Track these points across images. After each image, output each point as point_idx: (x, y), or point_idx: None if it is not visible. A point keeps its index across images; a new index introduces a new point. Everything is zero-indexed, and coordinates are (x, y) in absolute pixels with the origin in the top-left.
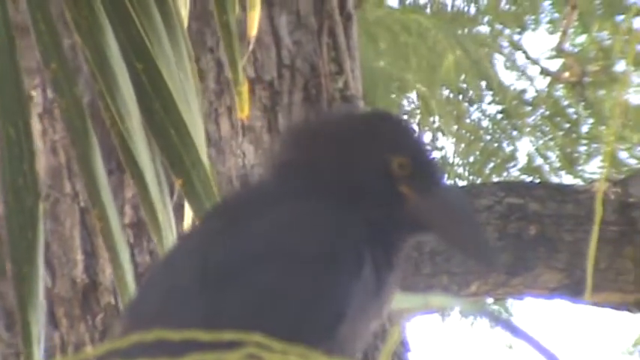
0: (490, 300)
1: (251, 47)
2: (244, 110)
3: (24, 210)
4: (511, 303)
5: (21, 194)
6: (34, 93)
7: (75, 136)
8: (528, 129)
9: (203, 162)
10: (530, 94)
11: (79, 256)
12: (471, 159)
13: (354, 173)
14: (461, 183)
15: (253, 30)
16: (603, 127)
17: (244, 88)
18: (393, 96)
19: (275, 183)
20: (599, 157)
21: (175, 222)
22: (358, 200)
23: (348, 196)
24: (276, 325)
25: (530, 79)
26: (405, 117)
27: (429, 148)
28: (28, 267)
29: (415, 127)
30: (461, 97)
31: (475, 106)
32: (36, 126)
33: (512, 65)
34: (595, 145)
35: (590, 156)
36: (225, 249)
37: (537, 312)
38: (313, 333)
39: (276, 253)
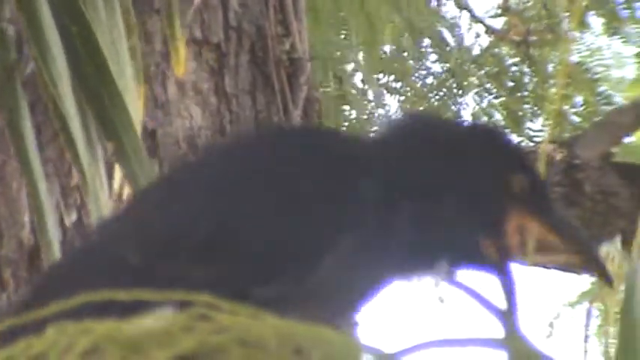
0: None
1: (195, 5)
2: (180, 68)
3: None
4: None
5: None
6: None
7: (3, 101)
8: (473, 88)
9: (134, 125)
10: (474, 53)
11: (26, 218)
12: None
13: (468, 184)
14: None
15: None
16: (547, 86)
17: (181, 43)
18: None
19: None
20: (544, 116)
21: (108, 184)
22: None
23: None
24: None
25: (475, 37)
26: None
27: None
28: None
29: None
30: (406, 54)
31: (420, 65)
32: None
33: (455, 25)
34: (539, 104)
35: (534, 114)
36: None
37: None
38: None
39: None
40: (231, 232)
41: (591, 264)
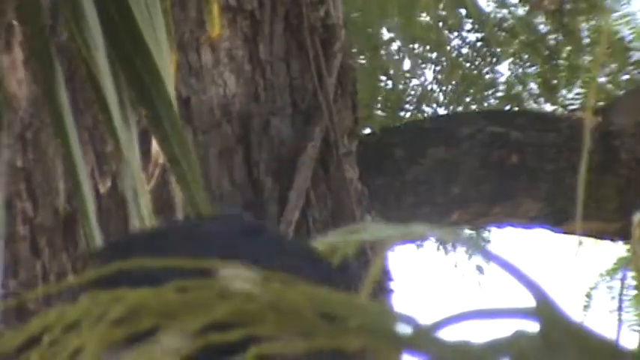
0: (468, 229)
1: None
2: (215, 29)
3: None
4: (489, 232)
5: None
6: (15, 22)
7: (40, 66)
8: (508, 56)
9: (168, 92)
10: (509, 22)
11: (62, 185)
12: (451, 86)
13: None
14: (441, 111)
15: None
16: (582, 54)
17: (214, 7)
18: (369, 30)
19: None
20: (579, 84)
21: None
22: None
23: None
24: None
25: (510, 6)
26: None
27: None
28: None
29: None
30: (440, 24)
31: (455, 34)
32: (17, 55)
33: None
34: (574, 73)
35: (569, 83)
36: None
37: (515, 241)
38: None
39: None
40: None
41: None
